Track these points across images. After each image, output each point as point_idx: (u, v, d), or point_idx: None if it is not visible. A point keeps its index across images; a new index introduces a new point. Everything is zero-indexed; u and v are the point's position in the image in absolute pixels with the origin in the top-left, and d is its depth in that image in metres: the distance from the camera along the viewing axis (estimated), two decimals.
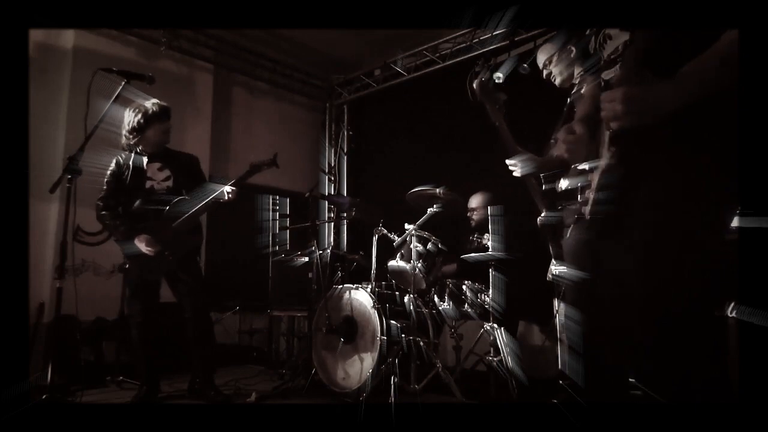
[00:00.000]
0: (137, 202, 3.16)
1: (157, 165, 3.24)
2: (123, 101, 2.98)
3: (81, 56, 4.51)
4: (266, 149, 6.13)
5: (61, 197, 3.16)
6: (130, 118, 3.14)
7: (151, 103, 3.18)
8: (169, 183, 3.23)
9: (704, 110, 1.08)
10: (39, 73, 4.25)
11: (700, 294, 1.22)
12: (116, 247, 3.23)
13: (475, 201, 4.11)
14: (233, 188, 3.09)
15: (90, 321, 4.04)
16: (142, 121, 3.13)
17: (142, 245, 3.06)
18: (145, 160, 3.21)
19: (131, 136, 3.15)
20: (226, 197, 3.09)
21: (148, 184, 3.19)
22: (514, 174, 1.92)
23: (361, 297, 3.41)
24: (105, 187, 3.19)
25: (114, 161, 3.21)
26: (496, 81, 1.82)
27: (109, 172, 3.19)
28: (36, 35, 4.32)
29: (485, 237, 3.74)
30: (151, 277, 3.15)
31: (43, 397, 2.46)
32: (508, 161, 1.96)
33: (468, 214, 4.12)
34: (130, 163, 3.19)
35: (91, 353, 3.96)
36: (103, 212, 3.15)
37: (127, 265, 3.24)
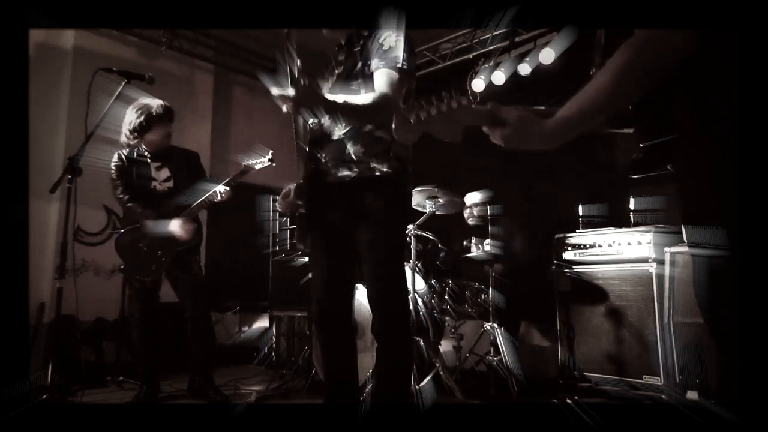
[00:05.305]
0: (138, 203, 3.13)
1: (157, 164, 3.21)
2: (126, 99, 2.95)
3: (81, 56, 4.51)
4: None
5: (61, 197, 3.16)
6: (131, 117, 3.07)
7: (156, 105, 3.12)
8: (170, 184, 3.20)
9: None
10: (39, 72, 4.25)
11: None
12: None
13: (471, 198, 3.75)
14: (226, 188, 3.05)
15: (90, 321, 4.04)
16: (144, 122, 3.06)
17: (179, 229, 3.02)
18: (147, 160, 3.19)
19: (131, 136, 3.08)
20: (219, 197, 3.06)
21: (151, 184, 3.17)
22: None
23: (362, 297, 3.41)
24: (114, 176, 3.14)
25: (116, 156, 3.16)
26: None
27: (114, 167, 3.15)
28: (36, 35, 4.32)
29: (485, 243, 3.57)
30: (144, 277, 3.11)
31: (43, 397, 2.46)
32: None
33: (464, 213, 3.78)
34: (134, 157, 3.17)
35: (91, 353, 3.96)
36: (122, 195, 3.11)
37: (122, 266, 3.22)
